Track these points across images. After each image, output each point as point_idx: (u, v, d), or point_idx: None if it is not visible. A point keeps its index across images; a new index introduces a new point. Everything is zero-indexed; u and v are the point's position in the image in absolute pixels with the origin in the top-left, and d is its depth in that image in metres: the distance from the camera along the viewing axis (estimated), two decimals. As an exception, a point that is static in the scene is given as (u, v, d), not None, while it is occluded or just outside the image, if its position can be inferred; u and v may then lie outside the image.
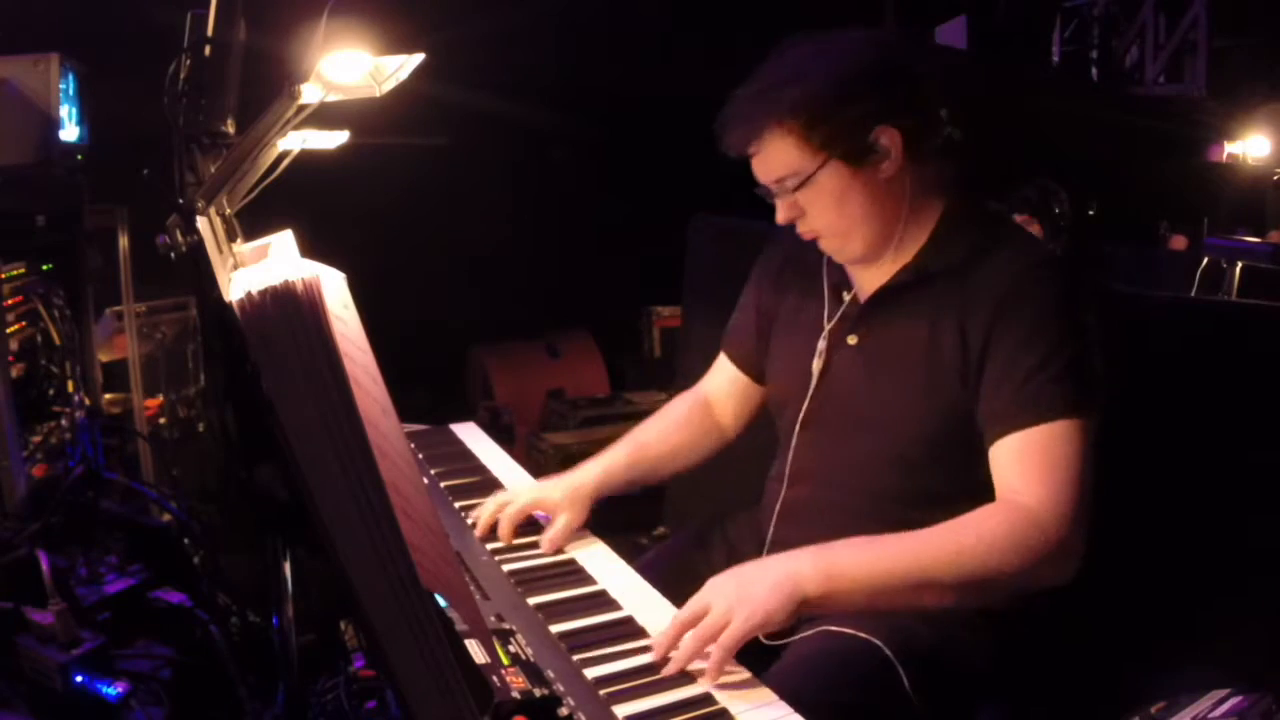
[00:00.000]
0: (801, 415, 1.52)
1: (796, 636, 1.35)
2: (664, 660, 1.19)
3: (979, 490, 1.35)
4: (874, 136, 1.37)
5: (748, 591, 1.21)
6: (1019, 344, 1.32)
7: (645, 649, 1.23)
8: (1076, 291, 1.37)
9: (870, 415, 1.45)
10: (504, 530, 1.56)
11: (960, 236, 1.42)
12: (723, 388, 1.76)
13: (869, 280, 1.48)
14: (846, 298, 1.51)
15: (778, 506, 1.55)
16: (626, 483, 1.68)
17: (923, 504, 1.38)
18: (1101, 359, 1.33)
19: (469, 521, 1.63)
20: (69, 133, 2.30)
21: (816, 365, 1.50)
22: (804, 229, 1.45)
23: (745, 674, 1.18)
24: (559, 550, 1.54)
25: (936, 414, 1.39)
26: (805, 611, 1.23)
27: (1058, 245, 3.83)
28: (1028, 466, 1.30)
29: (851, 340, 1.48)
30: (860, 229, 1.42)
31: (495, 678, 1.04)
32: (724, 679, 1.16)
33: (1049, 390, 1.30)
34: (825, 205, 1.40)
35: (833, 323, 1.51)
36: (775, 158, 1.39)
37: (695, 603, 1.22)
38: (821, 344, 1.50)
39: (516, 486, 1.68)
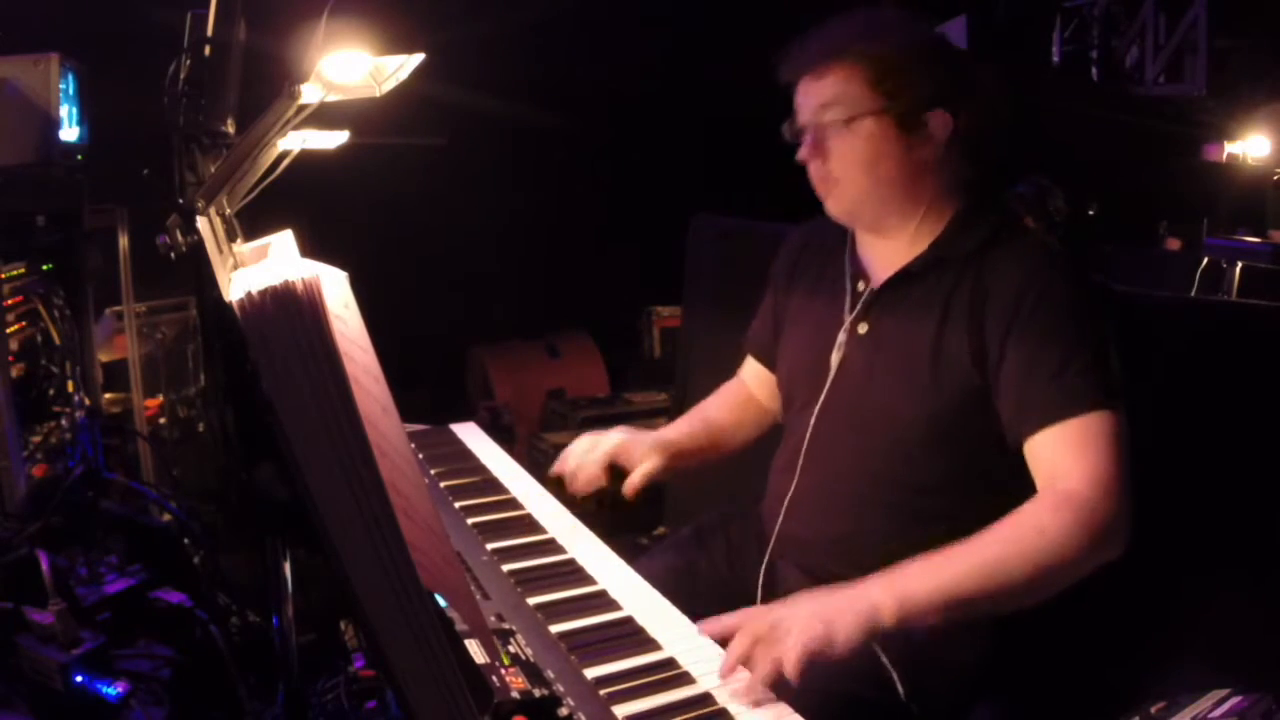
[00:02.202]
0: (819, 406, 1.53)
1: None
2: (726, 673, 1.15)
3: (982, 478, 1.38)
4: (929, 115, 1.40)
5: (826, 613, 1.17)
6: (1040, 343, 1.33)
7: (645, 649, 1.23)
8: (1088, 288, 1.39)
9: (876, 403, 1.46)
10: (582, 480, 1.64)
11: (973, 231, 1.44)
12: (754, 381, 1.83)
13: (883, 269, 1.50)
14: (862, 287, 1.52)
15: (788, 497, 1.55)
16: (699, 448, 1.75)
17: (928, 491, 1.41)
18: (1116, 355, 1.35)
19: (467, 518, 1.63)
20: (69, 133, 2.30)
21: (835, 358, 1.51)
22: (820, 174, 1.45)
23: (744, 674, 1.17)
24: (636, 494, 1.60)
25: (939, 403, 1.40)
26: (880, 641, 1.21)
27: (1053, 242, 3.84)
28: (1067, 453, 1.30)
29: (862, 329, 1.50)
30: (874, 195, 1.44)
31: (495, 678, 1.04)
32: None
33: (1076, 385, 1.30)
34: (854, 154, 1.41)
35: (853, 315, 1.52)
36: (834, 87, 1.40)
37: (765, 618, 1.18)
38: (842, 337, 1.51)
39: (604, 434, 1.71)
